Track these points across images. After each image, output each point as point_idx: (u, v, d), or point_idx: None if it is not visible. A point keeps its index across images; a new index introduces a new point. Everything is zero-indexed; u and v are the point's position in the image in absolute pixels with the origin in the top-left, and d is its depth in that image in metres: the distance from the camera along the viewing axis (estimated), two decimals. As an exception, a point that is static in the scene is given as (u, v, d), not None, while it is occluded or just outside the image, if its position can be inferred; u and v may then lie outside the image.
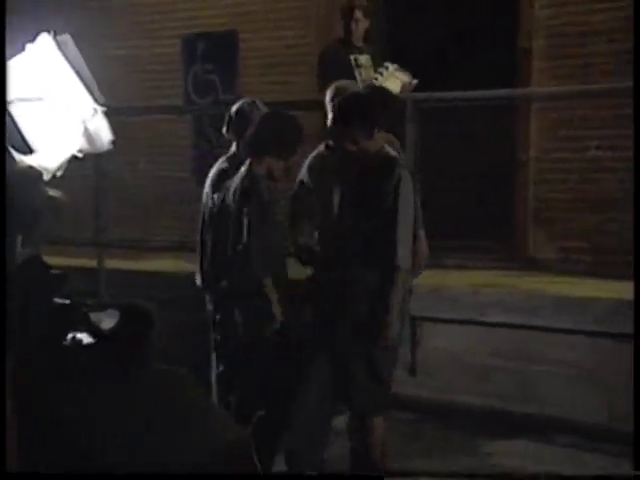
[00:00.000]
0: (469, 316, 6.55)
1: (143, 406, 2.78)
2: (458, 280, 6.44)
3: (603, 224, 7.63)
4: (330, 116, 4.98)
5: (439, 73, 7.44)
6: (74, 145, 4.01)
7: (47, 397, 2.72)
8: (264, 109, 5.44)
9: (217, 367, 5.28)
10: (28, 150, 3.89)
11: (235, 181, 5.05)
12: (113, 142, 4.12)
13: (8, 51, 3.80)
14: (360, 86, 5.96)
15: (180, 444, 2.70)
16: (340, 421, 5.13)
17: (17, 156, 3.88)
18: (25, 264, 3.28)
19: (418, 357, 6.61)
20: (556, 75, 7.80)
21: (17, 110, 3.85)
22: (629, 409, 5.92)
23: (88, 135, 4.02)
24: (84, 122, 3.99)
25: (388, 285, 4.68)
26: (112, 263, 7.97)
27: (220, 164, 5.48)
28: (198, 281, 5.47)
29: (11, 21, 3.66)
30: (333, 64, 6.85)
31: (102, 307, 3.16)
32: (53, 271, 3.33)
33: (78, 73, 3.97)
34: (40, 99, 3.92)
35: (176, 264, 7.53)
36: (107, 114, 4.08)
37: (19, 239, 3.95)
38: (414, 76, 6.85)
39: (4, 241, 3.19)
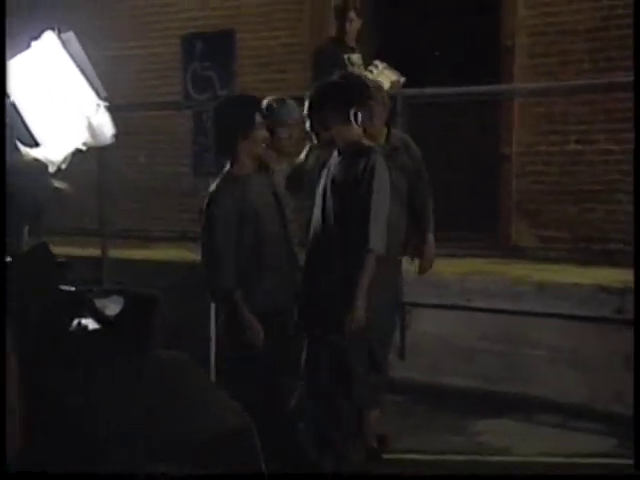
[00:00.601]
0: (456, 302, 6.53)
1: (145, 392, 2.71)
2: (446, 268, 6.40)
3: (582, 214, 7.62)
4: (306, 104, 4.85)
5: (426, 71, 7.41)
6: (78, 139, 3.96)
7: (51, 383, 2.66)
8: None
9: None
10: (34, 143, 3.85)
11: None
12: (115, 136, 4.07)
13: (12, 50, 3.76)
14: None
15: (182, 429, 2.64)
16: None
17: (23, 149, 3.84)
18: (32, 251, 3.21)
19: (407, 341, 6.59)
20: (537, 72, 7.79)
21: (23, 104, 3.81)
22: (608, 389, 5.94)
23: (92, 129, 3.98)
24: (88, 117, 3.95)
25: (358, 269, 4.47)
26: (115, 253, 7.93)
27: None
28: None
29: (11, 22, 3.62)
30: (328, 62, 6.80)
31: (107, 294, 3.09)
32: (58, 259, 3.27)
33: (81, 69, 3.92)
34: (45, 94, 3.87)
35: (178, 253, 7.50)
36: (110, 110, 4.03)
37: (26, 229, 3.91)
38: (402, 74, 6.81)
39: (4, 241, 3.14)
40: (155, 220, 9.23)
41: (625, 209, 7.34)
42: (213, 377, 5.14)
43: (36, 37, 3.95)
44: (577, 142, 7.68)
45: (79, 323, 2.93)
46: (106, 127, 4.04)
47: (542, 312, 6.23)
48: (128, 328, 2.94)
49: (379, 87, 5.39)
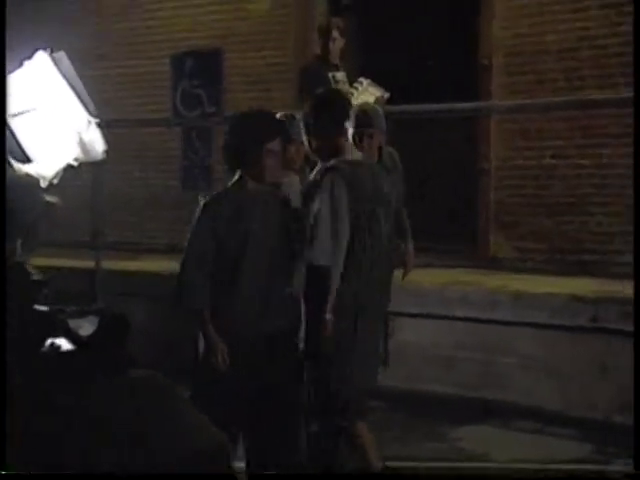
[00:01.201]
0: (436, 311, 6.48)
1: (116, 414, 2.57)
2: (426, 278, 6.37)
3: (558, 226, 7.60)
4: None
5: (407, 88, 7.38)
6: (70, 154, 3.92)
7: (24, 405, 2.52)
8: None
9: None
10: (26, 159, 3.80)
11: None
12: (106, 152, 4.02)
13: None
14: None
15: (153, 449, 2.50)
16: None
17: (16, 165, 3.79)
18: (7, 271, 3.06)
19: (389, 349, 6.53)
20: (514, 90, 7.77)
21: (15, 122, 3.76)
22: (581, 396, 5.90)
23: (83, 145, 3.94)
24: (79, 133, 3.91)
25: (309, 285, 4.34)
26: (108, 264, 7.85)
27: None
28: None
29: (9, 40, 3.57)
30: (313, 80, 6.77)
31: (81, 314, 2.92)
32: (34, 277, 3.10)
33: (72, 87, 3.88)
34: (37, 111, 3.82)
35: (169, 265, 7.41)
36: (101, 127, 3.99)
37: (19, 243, 3.85)
38: (386, 90, 6.79)
39: (4, 242, 3.08)
40: (146, 232, 9.19)
41: (597, 220, 7.34)
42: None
43: (29, 57, 3.91)
44: (552, 157, 7.66)
45: (52, 344, 2.76)
46: (97, 143, 4.01)
47: (519, 321, 6.19)
48: (100, 349, 2.76)
49: (378, 114, 5.28)
